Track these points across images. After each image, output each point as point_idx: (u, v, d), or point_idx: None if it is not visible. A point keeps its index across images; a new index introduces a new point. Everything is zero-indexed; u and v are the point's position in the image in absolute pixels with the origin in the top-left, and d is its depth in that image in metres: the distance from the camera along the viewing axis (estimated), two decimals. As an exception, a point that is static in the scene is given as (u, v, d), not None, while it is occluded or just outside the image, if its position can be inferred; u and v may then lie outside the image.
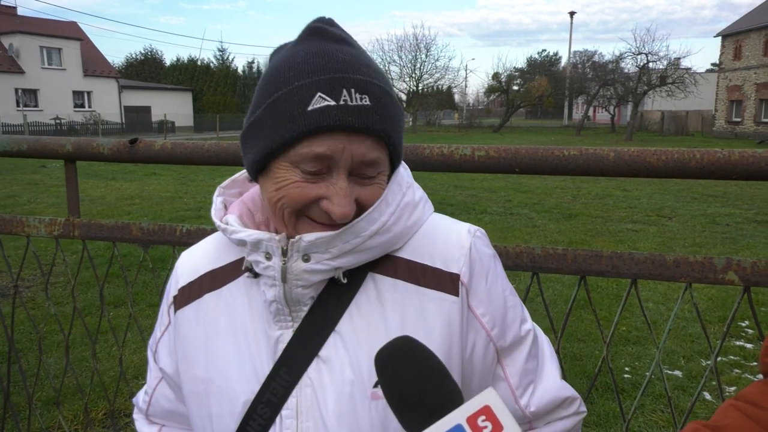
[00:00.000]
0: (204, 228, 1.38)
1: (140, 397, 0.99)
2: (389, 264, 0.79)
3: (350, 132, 0.69)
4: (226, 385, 0.79)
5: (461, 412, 0.56)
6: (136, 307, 4.56)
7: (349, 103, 0.68)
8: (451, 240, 0.80)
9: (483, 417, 0.56)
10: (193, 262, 0.89)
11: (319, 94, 0.68)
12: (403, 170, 0.82)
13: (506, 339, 0.82)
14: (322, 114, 0.68)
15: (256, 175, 0.78)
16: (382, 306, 0.77)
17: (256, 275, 0.79)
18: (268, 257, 0.75)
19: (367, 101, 0.69)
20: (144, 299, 4.74)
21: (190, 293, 0.86)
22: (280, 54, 0.77)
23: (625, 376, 3.47)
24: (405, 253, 0.79)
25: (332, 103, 0.68)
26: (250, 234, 0.75)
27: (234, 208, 0.85)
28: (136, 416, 1.01)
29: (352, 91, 0.69)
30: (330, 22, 0.77)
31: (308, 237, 0.72)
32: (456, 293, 0.78)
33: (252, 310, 0.80)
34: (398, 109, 0.75)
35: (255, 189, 0.88)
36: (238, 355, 0.79)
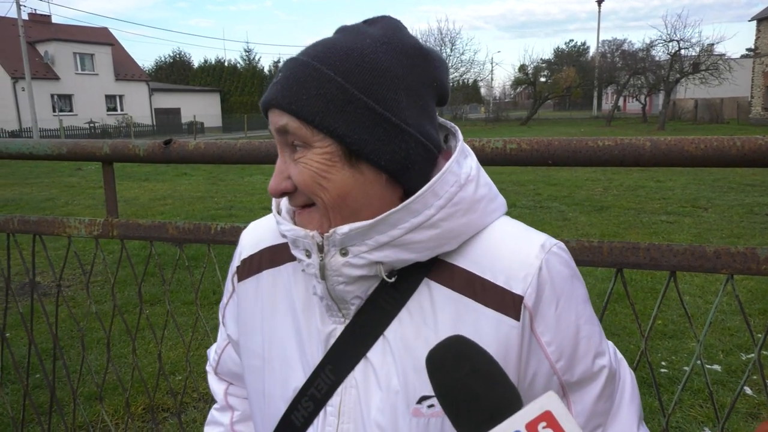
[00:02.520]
0: (238, 226, 1.40)
1: (212, 353, 1.03)
2: (446, 271, 0.74)
3: (272, 107, 0.71)
4: (280, 367, 0.80)
5: (520, 417, 0.52)
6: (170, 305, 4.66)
7: (274, 82, 0.72)
8: (518, 255, 0.72)
9: (544, 423, 0.51)
10: (256, 234, 0.90)
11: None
12: (469, 160, 0.75)
13: (574, 374, 0.74)
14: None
15: None
16: (435, 317, 0.73)
17: None
18: (308, 254, 0.73)
19: (279, 77, 0.71)
20: (178, 297, 4.84)
21: (251, 266, 0.87)
22: None
23: (662, 370, 3.39)
24: (464, 262, 0.73)
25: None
26: (290, 229, 0.74)
27: None
28: (208, 368, 1.05)
29: (283, 70, 0.71)
30: (369, 20, 0.75)
31: (342, 229, 0.70)
32: (517, 317, 0.70)
33: (308, 299, 0.80)
34: (313, 78, 0.68)
35: None
36: (293, 341, 0.80)
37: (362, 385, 0.74)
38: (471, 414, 0.55)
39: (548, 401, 0.52)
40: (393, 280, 0.73)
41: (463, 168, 0.73)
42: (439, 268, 0.74)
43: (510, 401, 0.55)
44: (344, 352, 0.75)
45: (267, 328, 0.83)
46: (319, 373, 0.76)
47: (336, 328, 0.77)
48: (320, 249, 0.72)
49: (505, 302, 0.71)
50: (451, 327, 0.72)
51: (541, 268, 0.71)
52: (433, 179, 0.70)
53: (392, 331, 0.74)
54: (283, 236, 0.77)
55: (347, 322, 0.76)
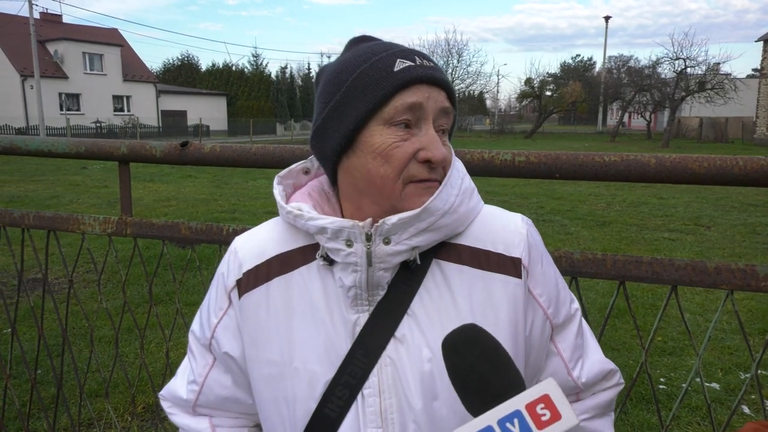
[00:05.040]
0: (249, 228, 1.43)
1: (180, 389, 0.96)
2: (453, 251, 0.84)
3: (430, 83, 0.79)
4: (305, 367, 0.81)
5: (521, 398, 0.59)
6: (172, 306, 4.69)
7: (423, 64, 0.80)
8: (509, 227, 0.87)
9: (542, 405, 0.58)
10: (256, 246, 0.90)
11: (398, 59, 0.80)
12: (458, 161, 0.88)
13: (560, 317, 0.89)
14: (409, 71, 0.79)
15: (339, 157, 0.82)
16: (450, 290, 0.82)
17: (330, 263, 0.82)
18: (349, 244, 0.79)
19: (432, 64, 0.82)
20: (181, 298, 4.86)
21: (257, 277, 0.87)
22: (335, 61, 0.85)
23: (661, 386, 3.40)
24: (467, 240, 0.85)
25: (412, 63, 0.80)
26: (332, 221, 0.79)
27: (304, 198, 0.87)
28: (173, 410, 0.98)
29: (420, 56, 0.81)
30: (364, 38, 0.88)
31: (391, 219, 0.78)
32: (519, 275, 0.84)
33: (327, 294, 0.83)
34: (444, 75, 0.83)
35: (314, 182, 0.92)
36: (317, 337, 0.82)
37: (397, 360, 0.80)
38: (478, 393, 0.62)
39: (547, 386, 0.60)
40: (419, 262, 0.82)
41: (461, 166, 0.87)
42: (445, 249, 0.85)
43: (514, 384, 0.62)
44: (373, 335, 0.80)
45: (284, 333, 0.83)
46: (351, 360, 0.80)
47: (359, 316, 0.82)
48: (367, 238, 0.79)
49: (507, 265, 0.84)
50: (467, 295, 0.82)
51: (527, 235, 0.87)
52: (448, 174, 0.82)
53: (415, 307, 0.82)
54: (319, 231, 0.80)
55: (371, 308, 0.82)
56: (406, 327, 0.81)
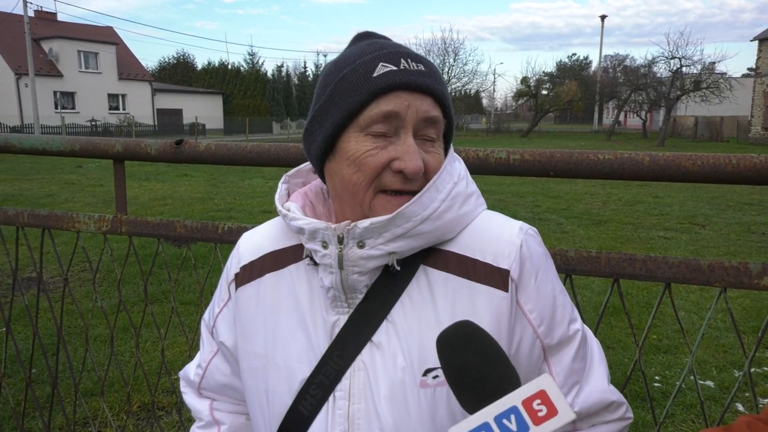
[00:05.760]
0: (245, 226, 1.43)
1: (191, 371, 1.03)
2: (440, 258, 0.82)
3: (412, 90, 0.76)
4: (285, 363, 0.83)
5: (517, 394, 0.59)
6: (168, 305, 4.68)
7: (408, 68, 0.77)
8: (502, 236, 0.82)
9: (538, 401, 0.58)
10: (255, 242, 0.93)
11: (381, 63, 0.77)
12: (458, 163, 0.85)
13: (553, 337, 0.83)
14: (387, 76, 0.76)
15: (323, 160, 0.82)
16: (433, 298, 0.80)
17: (316, 263, 0.83)
18: (325, 246, 0.79)
19: (422, 68, 0.78)
20: (176, 297, 4.85)
21: (252, 272, 0.90)
22: (334, 58, 0.84)
23: (656, 384, 3.42)
24: (456, 248, 0.82)
25: (394, 68, 0.76)
26: (308, 222, 0.80)
27: (297, 198, 0.89)
28: (185, 389, 1.05)
29: (409, 60, 0.77)
30: (369, 33, 0.86)
31: (363, 223, 0.76)
32: (505, 288, 0.79)
33: (312, 294, 0.84)
34: (446, 85, 0.81)
35: (317, 182, 0.93)
36: (298, 335, 0.83)
37: (370, 366, 0.79)
38: (474, 390, 0.62)
39: (543, 382, 0.59)
40: (399, 268, 0.80)
41: (454, 168, 0.83)
42: (433, 255, 0.82)
43: (509, 380, 0.62)
44: (350, 337, 0.80)
45: (270, 328, 0.86)
46: (327, 360, 0.80)
47: (340, 318, 0.82)
48: (339, 241, 0.78)
49: (494, 277, 0.80)
50: (449, 305, 0.79)
51: (522, 246, 0.81)
52: (434, 177, 0.78)
53: (395, 314, 0.80)
54: (299, 231, 0.82)
55: (351, 311, 0.81)
56: (383, 333, 0.79)
